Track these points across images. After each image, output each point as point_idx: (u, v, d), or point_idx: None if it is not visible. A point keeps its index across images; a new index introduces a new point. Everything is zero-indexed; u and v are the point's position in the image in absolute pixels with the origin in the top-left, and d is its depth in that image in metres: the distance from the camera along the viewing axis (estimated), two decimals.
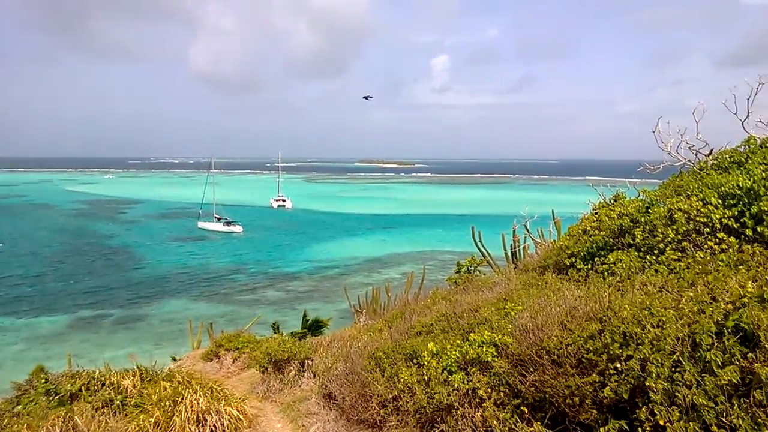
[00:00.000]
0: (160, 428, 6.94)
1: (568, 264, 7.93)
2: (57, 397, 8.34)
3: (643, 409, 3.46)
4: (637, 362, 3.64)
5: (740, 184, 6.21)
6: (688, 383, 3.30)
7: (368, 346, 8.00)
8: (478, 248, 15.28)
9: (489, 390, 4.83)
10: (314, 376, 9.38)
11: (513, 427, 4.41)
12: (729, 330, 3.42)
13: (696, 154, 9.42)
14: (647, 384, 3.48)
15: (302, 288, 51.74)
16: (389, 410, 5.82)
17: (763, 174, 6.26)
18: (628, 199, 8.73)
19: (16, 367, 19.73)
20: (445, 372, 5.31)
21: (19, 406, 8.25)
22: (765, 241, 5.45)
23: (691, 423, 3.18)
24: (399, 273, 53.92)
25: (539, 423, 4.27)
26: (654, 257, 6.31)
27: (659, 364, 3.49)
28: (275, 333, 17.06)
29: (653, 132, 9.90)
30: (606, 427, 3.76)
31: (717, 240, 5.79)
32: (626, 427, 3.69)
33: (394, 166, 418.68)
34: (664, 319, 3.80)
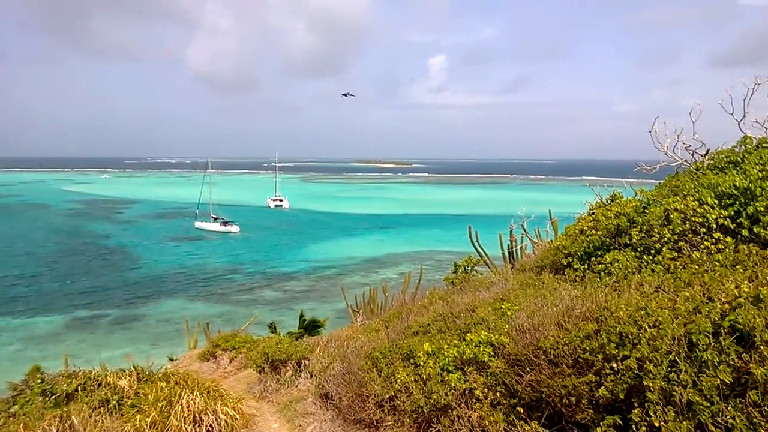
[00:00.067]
0: (157, 428, 6.93)
1: (564, 264, 7.94)
2: (53, 397, 8.32)
3: (637, 410, 3.47)
4: (634, 362, 3.65)
5: (737, 184, 6.22)
6: (684, 383, 3.31)
7: (365, 346, 8.00)
8: (475, 248, 15.29)
9: (486, 390, 4.84)
10: (311, 376, 9.38)
11: (508, 427, 4.41)
12: (725, 330, 3.43)
13: (692, 155, 9.44)
14: (645, 383, 3.49)
15: (299, 288, 51.73)
16: (386, 410, 5.82)
17: (760, 174, 6.27)
18: (625, 199, 8.74)
19: (12, 368, 19.66)
20: (442, 372, 5.31)
21: (16, 407, 8.23)
22: (761, 241, 5.47)
23: (685, 422, 3.19)
24: (396, 273, 53.94)
25: (536, 422, 4.27)
26: (650, 257, 6.32)
27: (657, 363, 3.50)
28: (272, 333, 17.05)
29: (650, 132, 9.92)
30: (602, 424, 3.77)
31: (713, 240, 5.80)
32: (620, 422, 3.70)
33: (392, 166, 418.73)
34: (660, 319, 3.80)
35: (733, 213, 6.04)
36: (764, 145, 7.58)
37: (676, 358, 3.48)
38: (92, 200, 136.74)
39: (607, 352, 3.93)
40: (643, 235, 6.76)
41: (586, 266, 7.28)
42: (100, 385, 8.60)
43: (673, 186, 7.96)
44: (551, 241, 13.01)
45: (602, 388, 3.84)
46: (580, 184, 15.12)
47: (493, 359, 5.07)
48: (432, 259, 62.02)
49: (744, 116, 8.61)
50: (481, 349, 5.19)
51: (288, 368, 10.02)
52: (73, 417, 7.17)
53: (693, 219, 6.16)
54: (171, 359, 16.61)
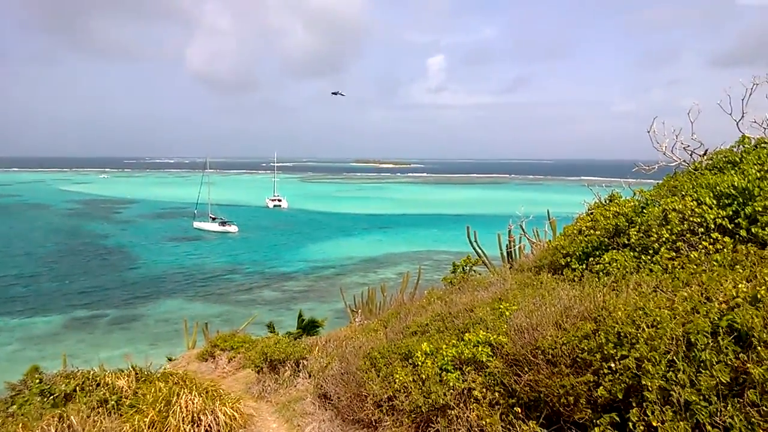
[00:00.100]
0: (155, 428, 6.93)
1: (563, 264, 7.94)
2: (51, 397, 8.32)
3: (635, 410, 3.47)
4: (632, 361, 3.65)
5: (735, 184, 6.23)
6: (682, 383, 3.32)
7: (364, 345, 8.00)
8: (474, 248, 15.30)
9: (484, 390, 4.84)
10: (309, 376, 9.38)
11: (506, 426, 4.42)
12: (723, 330, 3.43)
13: (691, 155, 9.45)
14: (643, 383, 3.49)
15: (298, 288, 51.73)
16: (384, 410, 5.82)
17: (758, 174, 6.28)
18: (624, 199, 8.75)
19: (10, 368, 19.66)
20: (441, 372, 5.32)
21: (14, 407, 8.23)
22: (759, 241, 5.47)
23: (682, 422, 3.19)
24: (395, 273, 53.96)
25: (534, 422, 4.28)
26: (649, 257, 6.32)
27: (655, 363, 3.50)
28: (271, 333, 17.05)
29: (648, 132, 9.92)
30: (600, 422, 3.77)
31: (711, 240, 5.81)
32: (617, 419, 3.70)
33: (390, 166, 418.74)
34: (658, 318, 3.81)
35: (731, 213, 6.04)
36: (762, 145, 7.59)
37: (674, 357, 3.49)
38: (91, 200, 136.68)
39: (606, 352, 3.93)
40: (642, 235, 6.76)
41: (584, 266, 7.28)
42: (98, 385, 8.60)
43: (671, 186, 7.96)
44: (549, 241, 13.02)
45: (600, 387, 3.84)
46: (579, 184, 15.13)
47: (491, 359, 5.07)
48: (430, 259, 62.07)
49: (742, 116, 8.62)
50: (480, 349, 5.19)
51: (286, 368, 10.02)
52: (71, 417, 7.17)
53: (691, 219, 6.17)
54: (170, 359, 16.61)
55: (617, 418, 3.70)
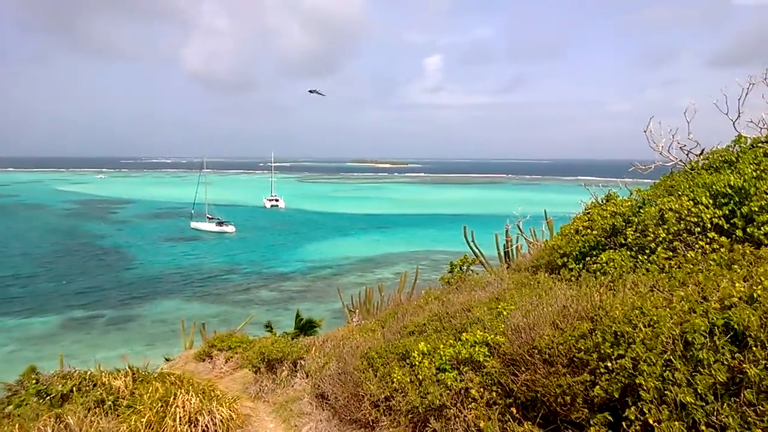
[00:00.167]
0: (152, 429, 6.92)
1: (560, 264, 7.95)
2: (48, 397, 8.31)
3: (632, 408, 3.48)
4: (628, 361, 3.66)
5: (731, 183, 6.24)
6: (678, 382, 3.32)
7: (361, 345, 8.00)
8: (471, 248, 15.29)
9: (481, 389, 4.84)
10: (307, 376, 9.38)
11: (503, 426, 4.42)
12: (719, 329, 3.44)
13: (687, 154, 9.47)
14: (639, 382, 3.50)
15: (295, 288, 51.70)
16: (382, 410, 5.82)
17: (754, 173, 6.29)
18: (621, 198, 8.76)
19: (7, 368, 19.61)
20: (438, 372, 5.32)
21: (10, 407, 8.21)
22: (755, 241, 5.49)
23: (678, 422, 3.20)
24: (392, 273, 53.96)
25: (530, 422, 4.28)
26: (645, 257, 6.33)
27: (652, 363, 3.51)
28: (269, 332, 17.04)
29: (645, 132, 9.94)
30: (594, 420, 3.78)
31: (708, 240, 5.82)
32: (610, 418, 3.71)
33: (388, 165, 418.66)
34: (655, 318, 3.81)
35: (727, 212, 6.06)
36: (759, 144, 7.62)
37: (671, 357, 3.49)
38: (88, 200, 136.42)
39: (602, 352, 3.94)
40: (638, 234, 6.77)
41: (581, 266, 7.29)
42: (95, 385, 8.58)
43: (668, 186, 7.98)
44: (547, 240, 13.03)
45: (597, 387, 3.85)
46: (576, 184, 15.15)
47: (488, 359, 5.08)
48: (428, 258, 62.06)
49: (739, 116, 8.65)
50: (477, 349, 5.20)
51: (284, 368, 10.02)
52: (68, 417, 7.16)
53: (688, 219, 6.18)
54: (167, 359, 16.59)
55: (610, 418, 3.71)
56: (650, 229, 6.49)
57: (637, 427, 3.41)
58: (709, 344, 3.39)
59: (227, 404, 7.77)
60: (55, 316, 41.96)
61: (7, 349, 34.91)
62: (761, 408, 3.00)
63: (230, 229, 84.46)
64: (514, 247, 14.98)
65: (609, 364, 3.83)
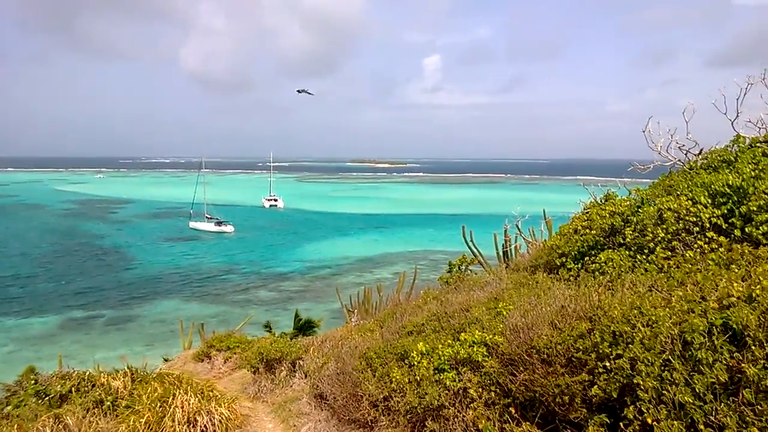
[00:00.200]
0: (151, 429, 6.91)
1: (558, 263, 7.95)
2: (47, 398, 8.30)
3: (631, 408, 3.48)
4: (626, 361, 3.66)
5: (730, 182, 6.25)
6: (676, 382, 3.32)
7: (359, 346, 8.00)
8: (469, 248, 15.29)
9: (480, 389, 4.84)
10: (305, 376, 9.37)
11: (502, 425, 4.42)
12: (718, 329, 3.44)
13: (686, 154, 9.48)
14: (636, 382, 3.50)
15: (294, 288, 51.67)
16: (380, 410, 5.82)
17: (752, 173, 6.30)
18: (619, 198, 8.76)
19: (6, 369, 19.59)
20: (436, 372, 5.32)
21: (9, 407, 8.20)
22: (753, 240, 5.49)
23: (677, 422, 3.20)
24: (391, 273, 53.95)
25: (529, 423, 4.28)
26: (644, 256, 6.33)
27: (649, 363, 3.51)
28: (268, 332, 17.03)
29: (643, 132, 9.94)
30: (592, 421, 3.78)
31: (707, 239, 5.82)
32: (607, 420, 3.71)
33: (386, 165, 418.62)
34: (654, 317, 3.81)
35: (725, 212, 6.06)
36: (757, 144, 7.62)
37: (670, 356, 3.49)
38: (87, 200, 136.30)
39: (601, 351, 3.94)
40: (637, 234, 6.78)
41: (580, 266, 7.29)
42: (94, 385, 8.57)
43: (666, 185, 7.98)
44: (545, 240, 13.03)
45: (595, 387, 3.85)
46: (575, 184, 15.16)
47: (487, 359, 5.08)
48: (426, 258, 62.05)
49: (737, 116, 8.65)
50: (475, 349, 5.20)
51: (282, 368, 10.01)
52: (67, 418, 7.15)
53: (686, 218, 6.18)
54: (165, 360, 16.57)
55: (607, 420, 3.71)
56: (649, 229, 6.49)
57: (636, 427, 3.41)
58: (707, 344, 3.39)
59: (226, 404, 7.76)
60: (54, 317, 41.91)
61: (5, 350, 34.88)
62: (759, 407, 3.00)
63: (229, 229, 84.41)
64: (512, 246, 14.98)
65: (607, 364, 3.83)
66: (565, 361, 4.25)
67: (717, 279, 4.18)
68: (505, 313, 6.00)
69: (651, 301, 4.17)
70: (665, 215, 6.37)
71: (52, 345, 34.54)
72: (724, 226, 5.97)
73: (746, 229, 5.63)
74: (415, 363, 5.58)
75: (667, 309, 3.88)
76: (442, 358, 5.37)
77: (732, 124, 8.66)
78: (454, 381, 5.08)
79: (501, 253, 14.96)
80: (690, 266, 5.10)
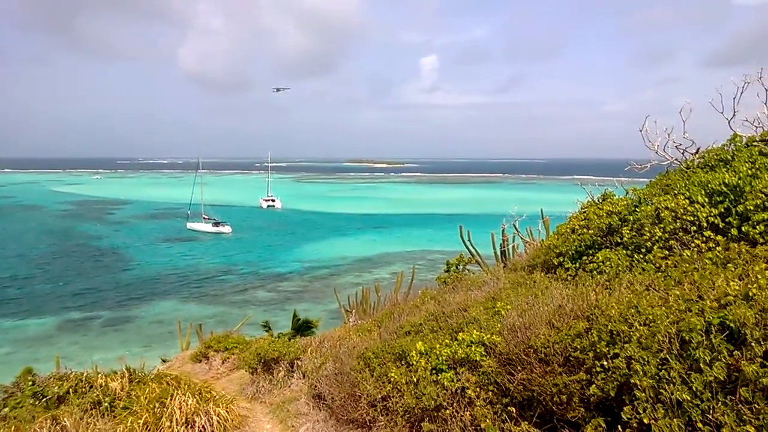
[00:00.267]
0: (149, 430, 6.90)
1: (556, 263, 7.96)
2: (44, 399, 8.29)
3: (628, 407, 3.48)
4: (623, 360, 3.66)
5: (726, 181, 6.26)
6: (673, 381, 3.32)
7: (358, 346, 7.99)
8: (467, 247, 15.30)
9: (478, 389, 4.84)
10: (304, 376, 9.36)
11: (501, 425, 4.42)
12: (715, 328, 3.44)
13: (683, 153, 9.49)
14: (632, 382, 3.50)
15: (292, 288, 51.63)
16: (378, 410, 5.81)
17: (749, 172, 6.31)
18: (617, 197, 8.77)
19: (3, 370, 19.55)
20: (434, 372, 5.32)
21: (6, 409, 8.19)
22: (750, 239, 5.50)
23: (675, 420, 3.20)
24: (389, 273, 53.93)
25: (527, 422, 4.28)
26: (641, 256, 6.34)
27: (645, 362, 3.51)
28: (267, 332, 17.02)
29: (640, 131, 9.95)
30: (593, 422, 3.78)
31: (704, 238, 5.83)
32: (603, 425, 3.71)
33: (384, 165, 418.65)
34: (651, 317, 3.82)
35: (722, 210, 6.07)
36: (754, 143, 7.63)
37: (667, 355, 3.50)
38: (84, 201, 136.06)
39: (598, 351, 3.94)
40: (634, 233, 6.79)
41: (577, 265, 7.30)
42: (91, 387, 8.57)
43: (663, 185, 7.99)
44: (543, 240, 13.04)
45: (593, 386, 3.85)
46: (572, 183, 15.17)
47: (484, 359, 5.08)
48: (424, 258, 62.07)
49: (734, 115, 8.67)
50: (473, 349, 5.20)
51: (280, 369, 10.00)
52: (64, 419, 7.14)
53: (683, 217, 6.19)
54: (163, 361, 16.55)
55: (603, 425, 3.71)
56: (646, 228, 6.50)
57: (634, 424, 3.41)
58: (705, 343, 3.39)
59: (224, 405, 7.75)
60: (52, 318, 41.82)
61: (2, 351, 34.79)
62: (757, 406, 3.00)
63: (227, 229, 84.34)
64: (510, 246, 15.00)
65: (605, 363, 3.83)
66: (562, 361, 4.26)
67: (714, 278, 4.19)
68: (502, 312, 6.01)
69: (648, 300, 4.17)
70: (662, 214, 6.38)
71: (50, 346, 34.46)
72: (721, 225, 5.99)
73: (743, 228, 5.64)
74: (414, 362, 5.58)
75: (664, 308, 3.89)
76: (440, 358, 5.37)
77: (729, 123, 8.68)
78: (452, 381, 5.07)
79: (499, 253, 14.97)
80: (687, 265, 5.11)
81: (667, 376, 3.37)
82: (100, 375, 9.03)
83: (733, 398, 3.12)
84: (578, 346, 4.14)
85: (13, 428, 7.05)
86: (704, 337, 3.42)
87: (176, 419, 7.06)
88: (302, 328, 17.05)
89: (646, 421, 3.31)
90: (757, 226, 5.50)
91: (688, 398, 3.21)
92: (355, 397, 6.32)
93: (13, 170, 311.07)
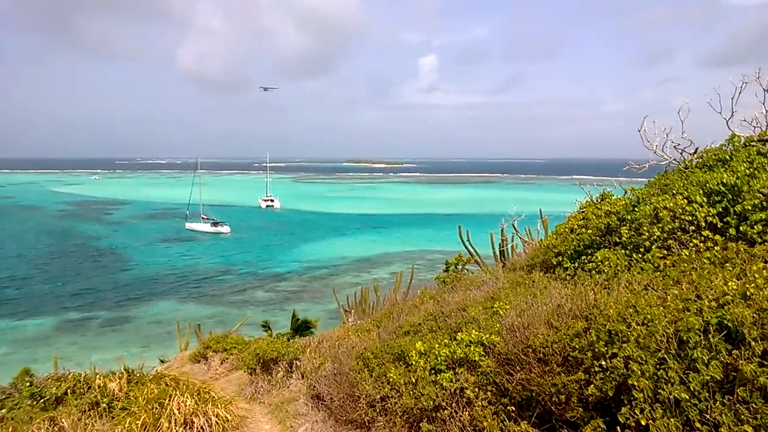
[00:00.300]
0: (147, 431, 6.89)
1: (555, 263, 7.96)
2: (42, 400, 8.27)
3: (626, 408, 3.47)
4: (621, 360, 3.66)
5: (724, 180, 6.27)
6: (671, 380, 3.32)
7: (356, 346, 7.99)
8: (466, 247, 15.31)
9: (476, 389, 4.84)
10: (302, 376, 9.35)
11: (500, 424, 4.42)
12: (713, 327, 3.44)
13: (681, 153, 9.49)
14: (630, 382, 3.50)
15: (291, 288, 51.62)
16: (377, 410, 5.81)
17: (747, 171, 6.32)
18: (615, 197, 8.78)
19: (0, 371, 19.55)
20: (432, 372, 5.31)
21: (3, 410, 8.17)
22: (748, 239, 5.50)
23: (672, 420, 3.20)
24: (388, 273, 53.93)
25: (526, 422, 4.28)
26: (640, 255, 6.35)
27: (643, 362, 3.51)
28: (266, 331, 17.01)
29: (639, 131, 9.96)
30: (592, 423, 3.78)
31: (702, 238, 5.84)
32: (603, 426, 3.71)
33: (383, 165, 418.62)
34: (649, 316, 3.82)
35: (721, 210, 6.08)
36: (752, 143, 7.64)
37: (665, 355, 3.49)
38: (83, 201, 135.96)
39: (597, 350, 3.94)
40: (633, 233, 6.79)
41: (576, 265, 7.30)
42: (89, 387, 8.55)
43: (662, 184, 8.00)
44: (542, 239, 13.05)
45: (591, 386, 3.85)
46: (570, 183, 15.19)
47: (483, 358, 5.07)
48: (423, 258, 62.08)
49: (732, 115, 8.68)
50: (472, 349, 5.20)
51: (279, 369, 9.99)
52: (62, 420, 7.13)
53: (682, 217, 6.20)
54: (162, 361, 16.53)
55: (603, 425, 3.71)
56: (645, 228, 6.51)
57: (632, 424, 3.41)
58: (703, 342, 3.39)
59: (222, 406, 7.74)
60: (50, 318, 41.78)
61: (0, 352, 34.75)
62: (755, 405, 3.00)
63: (225, 229, 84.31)
64: (509, 246, 15.00)
65: (603, 363, 3.83)
66: (561, 360, 4.25)
67: (712, 277, 4.19)
68: (501, 312, 6.00)
69: (647, 299, 4.17)
70: (661, 214, 6.38)
71: (48, 347, 34.42)
72: (719, 225, 5.99)
73: (741, 228, 5.65)
74: (413, 363, 5.57)
75: (662, 308, 3.89)
76: (439, 358, 5.36)
77: (727, 123, 8.69)
78: (451, 381, 5.07)
79: (498, 253, 14.98)
80: (685, 265, 5.11)
81: (665, 376, 3.37)
82: (98, 375, 9.01)
83: (731, 398, 3.11)
84: (577, 346, 4.14)
85: (10, 429, 7.03)
86: (702, 337, 3.42)
87: (175, 420, 7.05)
88: (301, 328, 17.04)
89: (643, 422, 3.31)
90: (755, 226, 5.51)
91: (686, 397, 3.21)
92: (353, 397, 6.31)
93: (12, 170, 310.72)
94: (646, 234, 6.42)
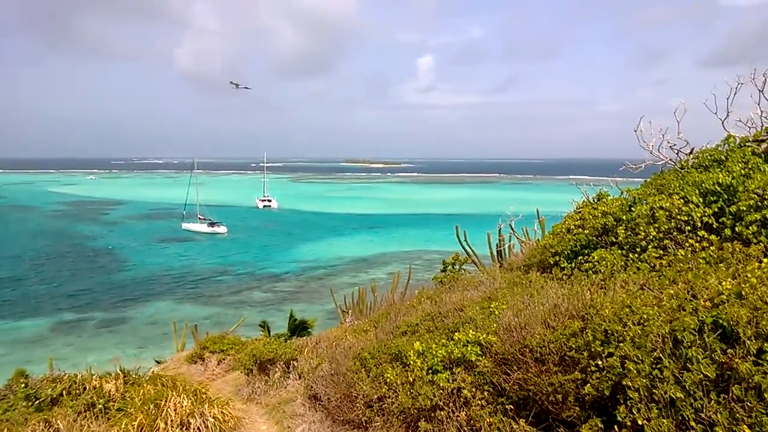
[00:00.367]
0: None
1: (552, 263, 7.97)
2: (37, 401, 8.25)
3: (622, 408, 3.48)
4: (617, 360, 3.67)
5: (720, 180, 6.28)
6: (667, 379, 3.33)
7: (354, 346, 7.98)
8: (463, 247, 15.32)
9: (474, 389, 4.84)
10: (299, 377, 9.35)
11: (498, 423, 4.42)
12: (708, 327, 3.45)
13: (677, 153, 9.51)
14: (624, 382, 3.51)
15: (288, 289, 51.60)
16: (375, 410, 5.81)
17: (742, 172, 6.34)
18: (612, 197, 8.79)
19: None
20: (429, 372, 5.31)
21: None
22: (743, 239, 5.52)
23: (667, 419, 3.21)
24: (385, 273, 53.95)
25: (524, 421, 4.28)
26: (636, 255, 6.36)
27: (639, 361, 3.52)
28: (263, 331, 17.01)
29: (635, 131, 9.97)
30: (589, 423, 3.78)
31: (698, 238, 5.85)
32: (600, 425, 3.72)
33: (380, 165, 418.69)
34: (645, 316, 3.82)
35: (716, 210, 6.09)
36: (747, 143, 7.66)
37: (661, 354, 3.50)
38: (79, 202, 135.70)
39: (593, 350, 3.95)
40: (629, 233, 6.80)
41: (573, 265, 7.31)
42: (85, 388, 8.53)
43: (658, 184, 8.01)
44: (539, 240, 13.06)
45: (588, 385, 3.86)
46: (567, 183, 15.21)
47: (480, 358, 5.08)
48: (421, 258, 62.13)
49: (728, 115, 8.69)
50: (469, 349, 5.20)
51: (276, 369, 9.99)
52: (58, 421, 7.11)
53: (678, 217, 6.21)
54: (158, 362, 16.52)
55: (600, 424, 3.72)
56: (641, 228, 6.52)
57: (628, 424, 3.42)
58: (698, 342, 3.40)
59: (219, 406, 7.73)
60: (46, 319, 41.69)
61: None
62: (749, 404, 3.01)
63: (222, 230, 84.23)
64: (506, 246, 15.01)
65: (600, 363, 3.84)
66: (558, 360, 4.26)
67: (707, 277, 4.20)
68: (498, 312, 6.01)
69: (642, 299, 4.18)
70: (657, 214, 6.39)
71: (44, 348, 34.36)
72: (715, 225, 6.01)
73: (736, 228, 5.66)
74: (411, 363, 5.57)
75: (658, 307, 3.90)
76: (436, 358, 5.36)
77: (722, 123, 8.70)
78: (448, 381, 5.07)
79: (495, 253, 14.99)
80: (681, 265, 5.12)
81: (660, 375, 3.38)
82: (94, 376, 8.99)
83: (726, 396, 3.12)
84: (573, 346, 4.14)
85: (5, 431, 7.01)
86: (697, 336, 3.42)
87: (171, 421, 7.03)
88: (298, 328, 17.04)
89: (639, 422, 3.32)
90: (750, 226, 5.52)
91: (681, 396, 3.22)
92: (351, 397, 6.31)
93: (8, 171, 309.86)
94: (643, 234, 6.43)
